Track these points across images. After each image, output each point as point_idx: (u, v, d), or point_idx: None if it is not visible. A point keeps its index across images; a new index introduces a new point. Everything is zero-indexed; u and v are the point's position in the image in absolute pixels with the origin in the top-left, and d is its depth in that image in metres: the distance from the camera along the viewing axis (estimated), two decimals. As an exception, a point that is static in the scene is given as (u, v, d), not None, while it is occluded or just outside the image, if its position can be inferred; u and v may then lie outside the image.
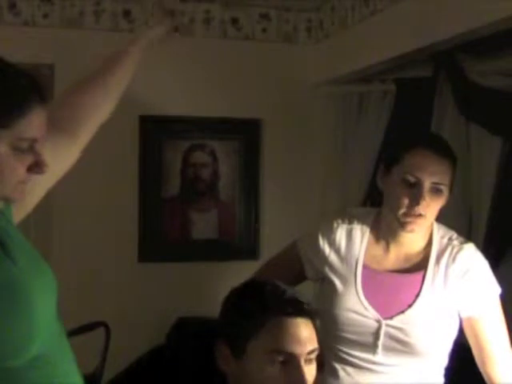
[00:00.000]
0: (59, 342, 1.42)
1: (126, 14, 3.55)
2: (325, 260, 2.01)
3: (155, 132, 3.62)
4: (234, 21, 3.72)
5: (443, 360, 1.99)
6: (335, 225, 2.03)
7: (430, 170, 1.87)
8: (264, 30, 3.77)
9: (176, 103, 3.63)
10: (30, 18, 3.42)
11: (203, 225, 3.73)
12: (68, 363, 1.42)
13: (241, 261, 3.69)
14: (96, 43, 3.50)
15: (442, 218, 2.03)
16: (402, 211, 1.88)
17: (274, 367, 1.42)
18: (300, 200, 3.76)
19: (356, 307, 1.93)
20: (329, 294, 1.99)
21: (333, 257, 2.01)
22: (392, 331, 1.91)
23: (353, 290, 1.95)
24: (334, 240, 2.01)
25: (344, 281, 1.97)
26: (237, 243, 3.76)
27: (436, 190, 1.88)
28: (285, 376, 1.42)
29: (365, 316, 1.92)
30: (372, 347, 1.92)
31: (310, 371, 1.44)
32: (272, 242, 3.77)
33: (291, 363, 1.42)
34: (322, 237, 2.03)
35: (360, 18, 3.32)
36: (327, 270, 2.00)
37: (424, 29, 2.80)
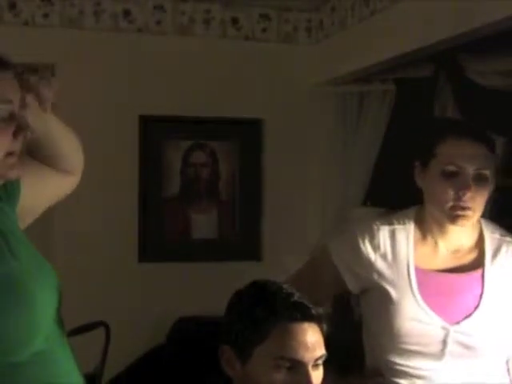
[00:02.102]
0: (60, 340, 1.42)
1: (126, 13, 3.55)
2: (371, 267, 1.83)
3: (155, 132, 3.62)
4: (234, 21, 3.72)
5: (505, 357, 1.87)
6: (375, 227, 1.86)
7: (469, 155, 1.75)
8: (264, 30, 3.77)
9: (176, 103, 3.63)
10: (30, 18, 3.42)
11: (203, 225, 3.73)
12: (69, 362, 1.42)
13: (240, 261, 3.69)
14: (96, 43, 3.51)
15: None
16: (449, 205, 1.76)
17: (281, 373, 1.40)
18: (300, 200, 3.76)
19: (418, 315, 1.77)
20: (382, 304, 1.82)
21: (380, 262, 1.83)
22: (460, 337, 1.78)
23: (410, 296, 1.79)
24: (379, 244, 1.84)
25: (398, 287, 1.80)
26: (237, 243, 3.76)
27: (480, 178, 1.76)
28: (292, 382, 1.40)
29: (429, 324, 1.77)
30: (438, 356, 1.78)
31: (316, 376, 1.43)
32: (272, 242, 3.78)
33: (299, 369, 1.40)
34: (364, 242, 1.84)
35: (360, 17, 3.32)
36: (376, 277, 1.83)
37: (424, 29, 2.80)
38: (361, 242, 1.85)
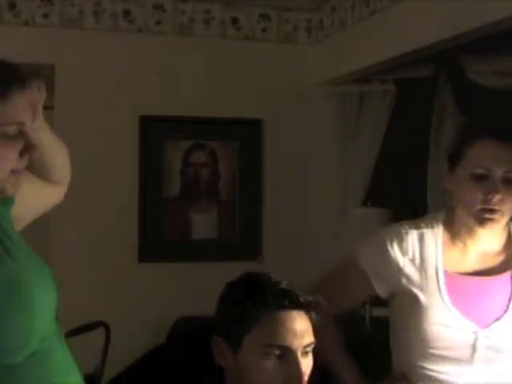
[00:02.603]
0: (58, 339, 1.42)
1: (126, 13, 3.55)
2: (400, 272, 1.80)
3: (155, 132, 3.62)
4: (234, 21, 3.72)
5: None
6: (403, 231, 1.82)
7: (497, 158, 1.72)
8: (264, 30, 3.77)
9: (176, 103, 3.63)
10: (30, 18, 3.42)
11: (203, 225, 3.73)
12: (66, 361, 1.42)
13: (240, 261, 3.68)
14: (96, 43, 3.51)
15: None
16: (477, 207, 1.73)
17: (271, 360, 1.42)
18: (300, 200, 3.76)
19: (447, 320, 1.75)
20: (411, 309, 1.79)
21: (409, 267, 1.80)
22: (490, 341, 1.75)
23: (439, 301, 1.77)
24: (407, 248, 1.81)
25: (426, 291, 1.78)
26: (237, 243, 3.76)
27: (509, 180, 1.72)
28: (282, 369, 1.42)
29: (458, 329, 1.75)
30: (467, 361, 1.76)
31: (306, 363, 1.45)
32: (272, 242, 3.78)
33: (288, 357, 1.42)
34: (392, 246, 1.81)
35: (360, 17, 3.32)
36: (404, 282, 1.80)
37: (424, 29, 2.80)
38: (389, 246, 1.82)
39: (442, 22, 2.69)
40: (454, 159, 1.80)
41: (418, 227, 1.83)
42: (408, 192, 3.33)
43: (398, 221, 1.93)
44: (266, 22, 3.77)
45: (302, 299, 1.45)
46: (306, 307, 1.46)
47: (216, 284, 3.81)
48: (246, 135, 3.76)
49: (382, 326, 3.10)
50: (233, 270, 3.87)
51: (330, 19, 3.66)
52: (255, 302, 1.44)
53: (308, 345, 1.45)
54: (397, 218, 3.22)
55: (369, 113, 3.55)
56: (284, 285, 1.47)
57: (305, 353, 1.44)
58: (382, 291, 1.86)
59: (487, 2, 2.44)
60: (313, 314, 1.47)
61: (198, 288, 3.60)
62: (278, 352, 1.42)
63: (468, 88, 3.02)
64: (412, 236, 1.82)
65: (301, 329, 1.44)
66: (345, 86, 3.62)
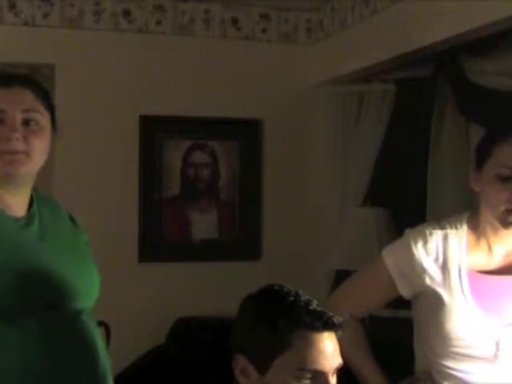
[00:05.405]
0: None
1: (126, 13, 3.55)
2: (424, 272, 1.83)
3: (155, 132, 3.62)
4: (234, 21, 3.72)
5: None
6: (428, 232, 1.84)
7: None
8: (264, 30, 3.77)
9: (176, 103, 3.63)
10: (30, 18, 3.42)
11: (203, 225, 3.72)
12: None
13: (240, 261, 3.68)
14: (96, 43, 3.51)
15: (443, 218, 2.02)
16: (502, 208, 1.74)
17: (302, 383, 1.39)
18: (300, 200, 3.76)
19: (470, 319, 1.78)
20: (434, 308, 1.82)
21: (432, 267, 1.82)
22: None
23: (462, 300, 1.79)
24: (431, 248, 1.83)
25: (450, 291, 1.80)
26: (237, 243, 3.76)
27: None
28: None
29: (481, 327, 1.77)
30: (490, 360, 1.78)
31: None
32: (272, 242, 3.78)
33: (319, 379, 1.39)
34: (417, 247, 1.83)
35: (360, 17, 3.32)
36: (428, 282, 1.82)
37: (424, 29, 2.80)
38: (413, 246, 1.84)
39: (442, 21, 2.69)
40: (481, 159, 1.81)
41: (442, 228, 1.85)
42: (408, 192, 3.32)
43: (397, 221, 1.94)
44: (266, 22, 3.77)
45: (336, 321, 1.42)
46: (335, 328, 1.42)
47: (216, 284, 3.80)
48: (246, 135, 3.76)
49: (381, 325, 3.11)
50: (233, 270, 3.88)
51: (330, 19, 3.66)
52: (286, 321, 1.39)
53: (338, 366, 1.42)
54: (397, 218, 3.24)
55: (369, 113, 3.54)
56: (315, 304, 1.43)
57: (333, 373, 1.42)
58: (405, 292, 1.88)
59: (487, 2, 2.44)
60: (340, 333, 1.44)
61: (198, 288, 3.60)
62: (309, 375, 1.38)
63: (468, 88, 3.02)
64: (436, 236, 1.83)
65: (331, 350, 1.41)
66: (345, 86, 3.62)
